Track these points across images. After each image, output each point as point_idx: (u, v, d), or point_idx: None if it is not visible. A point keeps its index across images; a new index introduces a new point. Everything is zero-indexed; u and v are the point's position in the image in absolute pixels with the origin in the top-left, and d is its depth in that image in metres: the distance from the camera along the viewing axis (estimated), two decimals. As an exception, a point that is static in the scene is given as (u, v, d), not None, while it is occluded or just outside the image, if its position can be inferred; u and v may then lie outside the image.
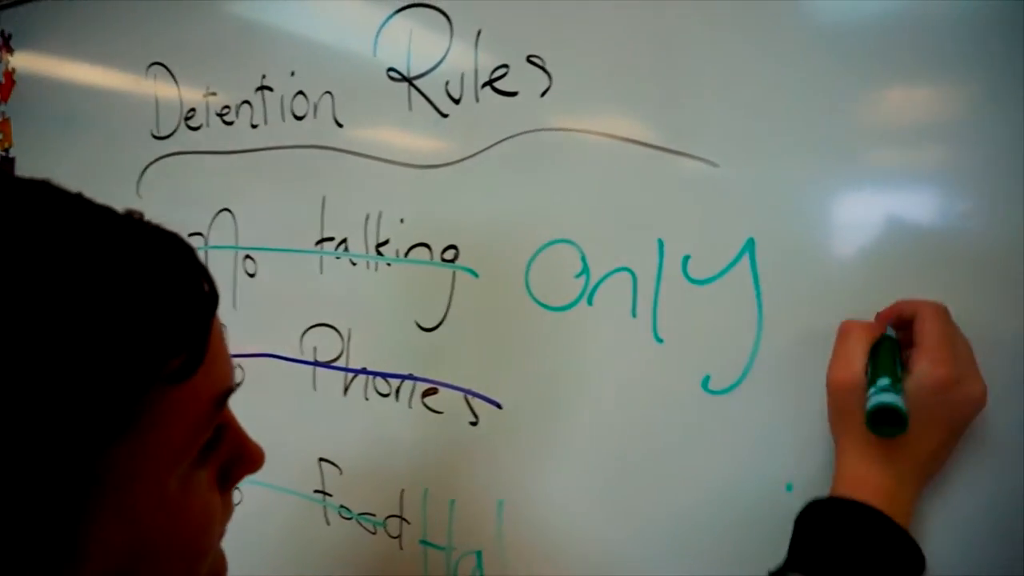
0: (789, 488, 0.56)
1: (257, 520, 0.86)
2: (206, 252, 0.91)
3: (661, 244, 0.60)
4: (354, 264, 0.79)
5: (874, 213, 0.53)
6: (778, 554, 0.55)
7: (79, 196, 0.30)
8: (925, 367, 0.43)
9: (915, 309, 0.47)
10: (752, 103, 0.56)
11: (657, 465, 0.61)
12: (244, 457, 0.38)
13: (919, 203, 0.52)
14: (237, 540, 0.40)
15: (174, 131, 0.94)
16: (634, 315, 0.61)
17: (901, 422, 0.42)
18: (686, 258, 0.59)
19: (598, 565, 0.65)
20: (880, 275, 0.52)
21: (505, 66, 0.67)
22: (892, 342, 0.47)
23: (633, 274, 0.61)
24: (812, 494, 0.55)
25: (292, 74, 0.83)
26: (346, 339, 0.80)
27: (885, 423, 0.43)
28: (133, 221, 0.31)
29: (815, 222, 0.54)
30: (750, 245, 0.56)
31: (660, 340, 0.61)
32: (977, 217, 0.49)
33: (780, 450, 0.56)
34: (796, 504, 0.55)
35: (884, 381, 0.44)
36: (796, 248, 0.55)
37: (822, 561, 0.44)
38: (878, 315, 0.50)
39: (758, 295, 0.56)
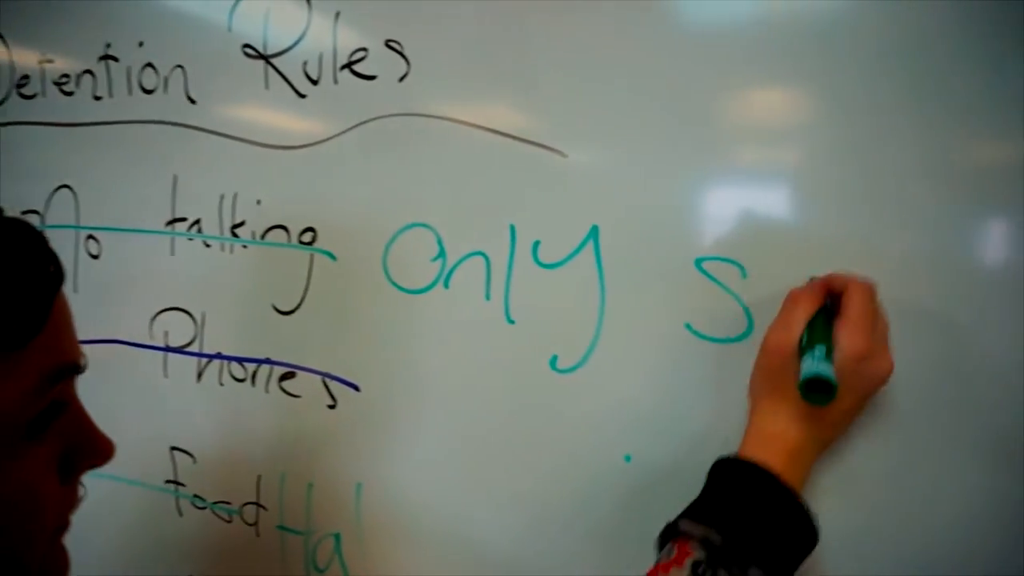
0: (627, 459, 0.60)
1: (103, 515, 0.82)
2: (42, 232, 0.84)
3: (513, 229, 0.62)
4: (208, 246, 0.76)
5: (716, 207, 0.56)
6: (622, 518, 0.60)
7: None
8: (845, 337, 0.47)
9: (845, 283, 0.50)
10: (604, 98, 0.59)
11: (510, 442, 0.64)
12: (89, 447, 0.38)
13: (760, 199, 0.55)
14: (81, 537, 0.39)
15: (4, 99, 0.87)
16: (488, 298, 0.64)
17: (830, 392, 0.45)
18: (536, 243, 0.62)
19: (455, 542, 0.67)
20: (714, 263, 0.56)
21: (364, 49, 0.67)
22: (828, 312, 0.50)
23: (487, 258, 0.63)
24: (648, 463, 0.60)
25: (140, 44, 0.78)
26: (200, 323, 0.78)
27: (816, 391, 0.46)
28: None
29: (656, 212, 0.58)
30: (594, 232, 0.60)
31: (512, 321, 0.63)
32: (816, 214, 0.53)
33: (620, 424, 0.60)
34: (634, 473, 0.60)
35: (820, 350, 0.46)
36: (637, 236, 0.59)
37: (719, 515, 0.47)
38: (813, 284, 0.52)
39: (601, 279, 0.60)
